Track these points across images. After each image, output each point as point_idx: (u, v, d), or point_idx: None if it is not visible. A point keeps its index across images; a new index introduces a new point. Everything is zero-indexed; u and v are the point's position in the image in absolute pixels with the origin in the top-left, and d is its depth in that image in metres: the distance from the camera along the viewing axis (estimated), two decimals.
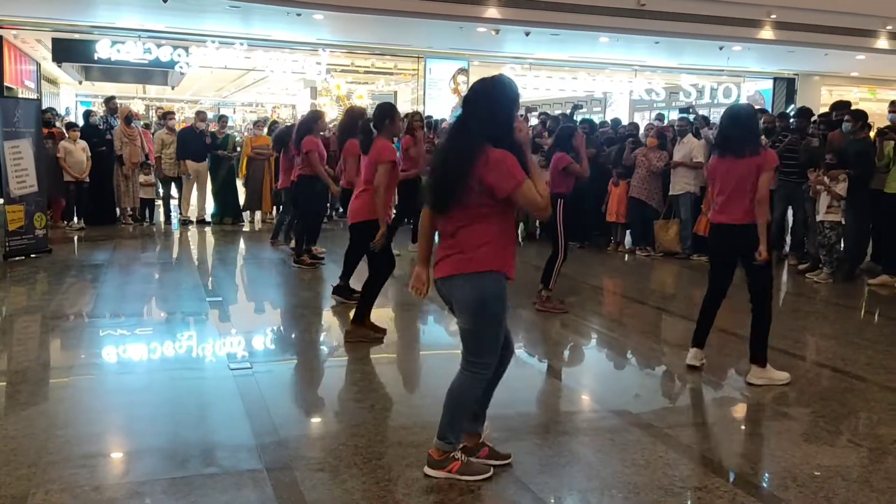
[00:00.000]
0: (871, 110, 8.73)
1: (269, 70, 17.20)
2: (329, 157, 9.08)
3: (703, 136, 9.66)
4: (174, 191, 12.58)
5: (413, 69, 18.73)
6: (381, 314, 6.51)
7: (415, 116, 10.05)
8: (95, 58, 15.45)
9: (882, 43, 15.57)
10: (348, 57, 18.68)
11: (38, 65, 18.83)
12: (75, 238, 10.48)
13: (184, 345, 5.56)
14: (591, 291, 7.94)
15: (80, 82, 21.68)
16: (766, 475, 3.56)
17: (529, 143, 3.42)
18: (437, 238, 3.44)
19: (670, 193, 9.80)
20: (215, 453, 3.60)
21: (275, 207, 12.56)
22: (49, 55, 16.96)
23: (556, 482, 3.37)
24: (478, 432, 3.54)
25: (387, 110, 5.72)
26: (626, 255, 10.17)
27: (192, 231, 11.53)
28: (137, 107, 23.89)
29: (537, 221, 10.58)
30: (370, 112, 7.65)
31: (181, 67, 15.86)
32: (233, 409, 4.20)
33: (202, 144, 12.00)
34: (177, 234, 11.37)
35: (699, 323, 5.04)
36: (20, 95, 15.49)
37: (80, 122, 12.03)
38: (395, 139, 6.53)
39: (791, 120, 9.56)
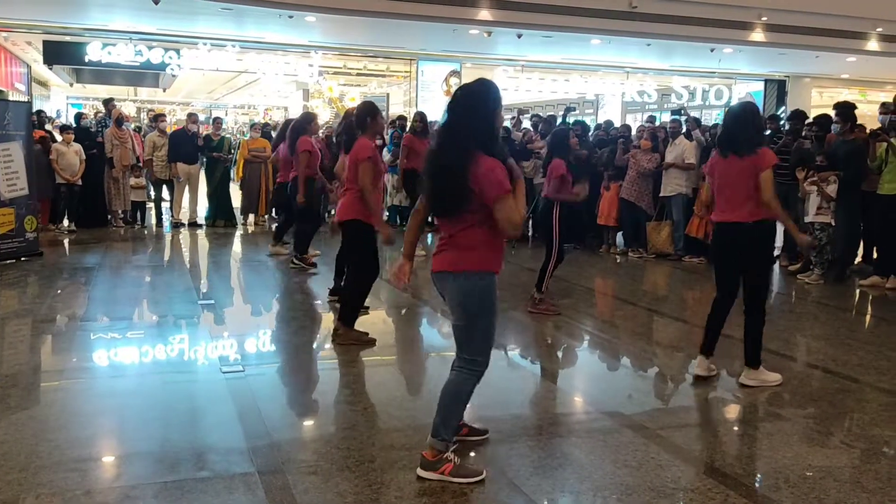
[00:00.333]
0: (861, 112, 8.72)
1: (261, 72, 17.16)
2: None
3: (695, 138, 9.69)
4: (165, 193, 12.54)
5: (405, 71, 18.73)
6: (374, 316, 6.52)
7: (415, 117, 10.06)
8: (86, 60, 15.40)
9: (872, 45, 15.65)
10: (340, 59, 18.67)
11: (29, 67, 18.76)
12: (66, 241, 10.44)
13: (175, 348, 5.53)
14: (584, 293, 7.94)
15: (71, 84, 21.60)
16: (758, 476, 3.57)
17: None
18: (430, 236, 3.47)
19: (662, 195, 9.83)
20: (207, 457, 3.58)
21: (273, 209, 12.60)
22: (40, 57, 16.89)
23: (549, 484, 3.37)
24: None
25: (368, 109, 5.67)
26: (619, 257, 10.20)
27: (184, 234, 11.50)
28: (129, 109, 23.83)
29: (531, 224, 10.60)
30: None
31: (172, 69, 15.82)
32: (224, 412, 4.18)
33: (194, 147, 11.99)
34: (168, 237, 11.34)
35: (707, 330, 4.89)
36: (10, 98, 15.42)
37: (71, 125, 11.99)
38: (378, 138, 6.51)
39: (782, 122, 9.59)
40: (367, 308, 6.46)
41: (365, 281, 5.66)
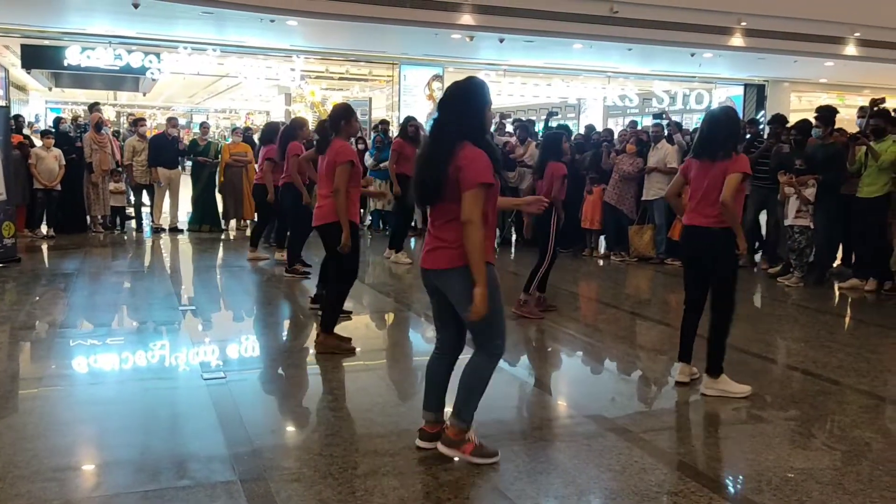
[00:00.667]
0: (839, 116, 8.80)
1: (242, 76, 17.08)
2: None
3: (676, 142, 9.76)
4: (146, 198, 12.44)
5: (388, 75, 18.73)
6: (357, 321, 6.49)
7: (409, 121, 9.99)
8: (65, 64, 15.25)
9: (850, 50, 15.85)
10: (323, 63, 18.63)
11: (7, 71, 18.55)
12: (44, 247, 10.32)
13: (156, 354, 5.48)
14: (567, 297, 7.95)
15: (50, 89, 21.41)
16: (741, 478, 3.58)
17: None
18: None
19: (644, 198, 9.88)
20: (188, 465, 3.54)
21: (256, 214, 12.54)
22: (18, 61, 16.71)
23: (533, 489, 3.37)
24: (440, 421, 3.68)
25: (343, 111, 5.62)
26: (601, 261, 10.23)
27: (165, 239, 11.42)
28: (108, 113, 23.61)
29: (524, 226, 10.64)
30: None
31: (153, 74, 15.72)
32: (206, 419, 4.14)
33: (174, 151, 11.91)
34: (149, 243, 11.24)
35: (681, 338, 4.93)
36: None
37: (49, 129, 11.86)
38: (360, 142, 6.45)
39: (762, 126, 9.66)
40: (350, 313, 6.43)
41: (346, 285, 5.63)
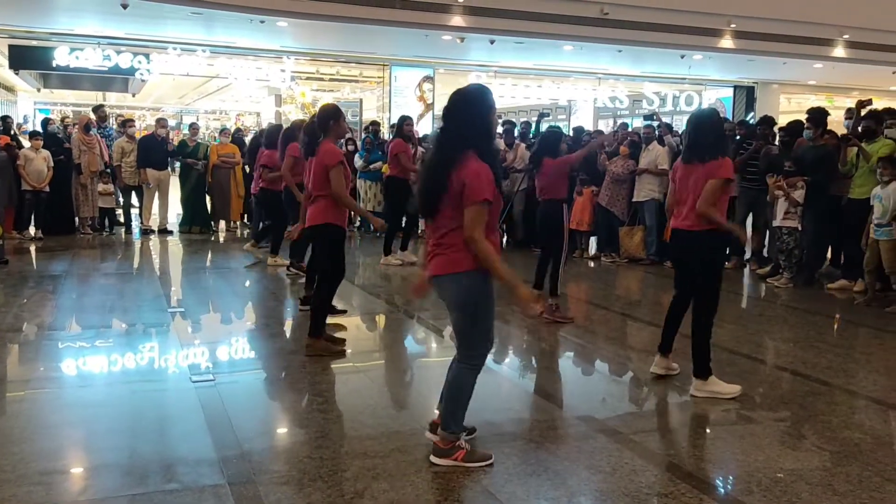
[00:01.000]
0: (829, 119, 8.84)
1: (232, 77, 17.02)
2: None
3: (667, 143, 9.78)
4: (135, 200, 12.37)
5: (378, 77, 18.71)
6: (347, 322, 6.47)
7: (406, 121, 9.95)
8: (54, 65, 15.14)
9: (839, 52, 15.94)
10: (313, 64, 18.59)
11: None
12: (32, 249, 10.25)
13: (144, 357, 5.45)
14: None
15: (39, 90, 21.28)
16: (731, 479, 3.58)
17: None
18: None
19: (634, 199, 9.89)
20: (176, 468, 3.52)
21: (245, 215, 12.52)
22: (6, 62, 16.61)
23: (524, 491, 3.36)
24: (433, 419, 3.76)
25: (331, 112, 5.53)
26: (591, 262, 10.24)
27: (154, 240, 11.36)
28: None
29: (520, 228, 10.70)
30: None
31: (142, 74, 15.65)
32: (194, 422, 4.12)
33: (163, 152, 11.85)
34: (138, 244, 11.19)
35: (663, 329, 5.02)
36: None
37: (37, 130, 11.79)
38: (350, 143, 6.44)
39: (757, 127, 9.67)
40: (344, 312, 6.42)
41: (333, 286, 5.61)
